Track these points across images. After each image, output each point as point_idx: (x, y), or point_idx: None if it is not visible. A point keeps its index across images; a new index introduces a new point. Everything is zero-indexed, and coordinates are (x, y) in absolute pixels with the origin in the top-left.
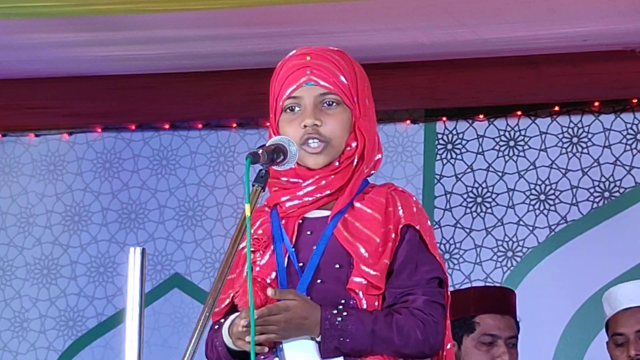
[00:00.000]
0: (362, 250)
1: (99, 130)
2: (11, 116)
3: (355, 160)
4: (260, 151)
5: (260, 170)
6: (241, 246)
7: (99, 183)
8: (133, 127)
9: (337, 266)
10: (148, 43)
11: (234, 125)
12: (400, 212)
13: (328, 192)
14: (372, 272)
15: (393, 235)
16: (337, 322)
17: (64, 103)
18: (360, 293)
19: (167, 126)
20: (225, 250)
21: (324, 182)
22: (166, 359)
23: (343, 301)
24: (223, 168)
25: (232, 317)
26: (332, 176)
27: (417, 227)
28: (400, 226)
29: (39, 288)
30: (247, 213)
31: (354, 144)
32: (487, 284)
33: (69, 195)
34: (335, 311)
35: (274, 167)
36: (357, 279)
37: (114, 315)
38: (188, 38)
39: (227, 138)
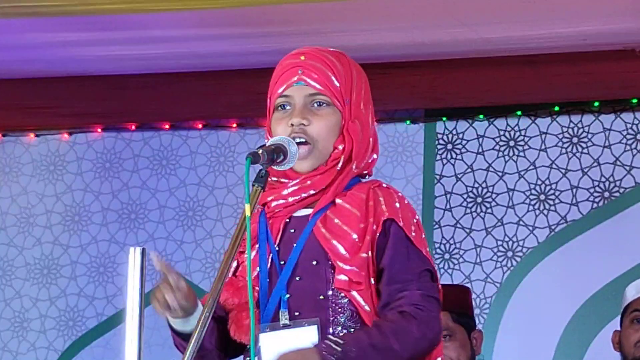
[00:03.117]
0: (339, 246)
1: (99, 130)
2: (11, 116)
3: (341, 161)
4: (260, 151)
5: (260, 170)
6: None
7: (99, 183)
8: (133, 127)
9: (315, 263)
10: (148, 43)
11: (234, 125)
12: (383, 206)
13: (312, 191)
14: (347, 267)
15: (374, 227)
16: (337, 353)
17: (64, 103)
18: (355, 293)
19: (167, 126)
20: (225, 250)
21: (309, 182)
22: (166, 359)
23: (322, 297)
24: (223, 168)
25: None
26: (318, 176)
27: (400, 223)
28: (383, 219)
29: (39, 288)
30: (247, 213)
31: (341, 147)
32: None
33: (69, 195)
34: (331, 343)
35: (274, 167)
36: (340, 277)
37: (114, 315)
38: (188, 38)
39: (227, 138)
